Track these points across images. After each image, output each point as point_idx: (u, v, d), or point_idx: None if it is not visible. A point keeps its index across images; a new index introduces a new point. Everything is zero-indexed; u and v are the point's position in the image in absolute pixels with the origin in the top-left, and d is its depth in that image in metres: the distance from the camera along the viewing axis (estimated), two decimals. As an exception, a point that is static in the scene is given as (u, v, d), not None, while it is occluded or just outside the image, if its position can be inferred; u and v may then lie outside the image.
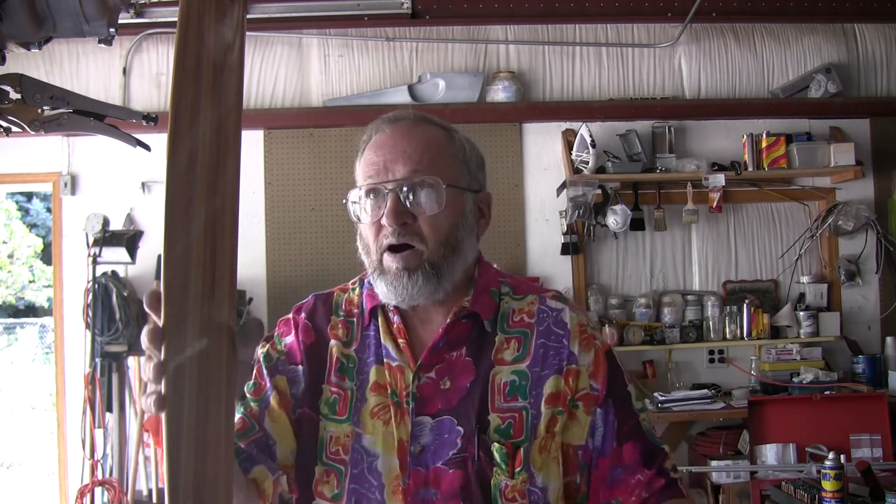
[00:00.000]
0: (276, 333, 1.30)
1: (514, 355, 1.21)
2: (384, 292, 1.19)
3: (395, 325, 1.23)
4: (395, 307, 1.23)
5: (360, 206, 1.21)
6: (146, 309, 0.90)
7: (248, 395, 1.25)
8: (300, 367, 1.25)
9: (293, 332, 1.27)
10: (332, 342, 1.25)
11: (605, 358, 1.22)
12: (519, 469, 1.15)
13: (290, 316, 1.31)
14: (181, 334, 0.87)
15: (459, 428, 1.17)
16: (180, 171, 0.86)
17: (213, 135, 0.90)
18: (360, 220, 1.21)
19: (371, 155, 1.20)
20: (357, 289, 1.30)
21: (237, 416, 1.22)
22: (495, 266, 1.35)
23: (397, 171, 1.17)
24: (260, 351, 1.28)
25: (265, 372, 1.25)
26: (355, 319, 1.27)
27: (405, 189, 1.17)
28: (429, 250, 1.17)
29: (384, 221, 1.17)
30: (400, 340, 1.22)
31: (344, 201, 1.23)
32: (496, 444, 1.16)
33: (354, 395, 1.21)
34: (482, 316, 1.22)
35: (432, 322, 1.23)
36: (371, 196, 1.19)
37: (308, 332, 1.26)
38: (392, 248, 1.18)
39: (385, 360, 1.22)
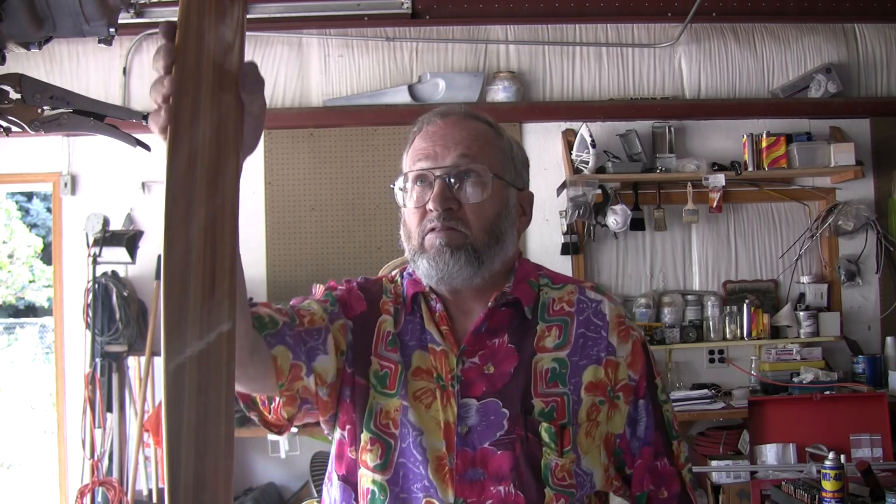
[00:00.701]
0: (327, 289, 1.30)
1: (555, 342, 1.24)
2: (425, 270, 1.21)
3: (437, 313, 1.25)
4: (437, 296, 1.25)
5: (406, 191, 1.23)
6: (160, 34, 0.85)
7: (307, 304, 1.23)
8: (350, 322, 1.25)
9: (345, 291, 1.29)
10: (384, 316, 1.27)
11: (642, 349, 1.27)
12: (567, 449, 1.18)
13: (341, 282, 1.32)
14: (181, 334, 0.87)
15: (505, 410, 1.19)
16: (180, 171, 0.86)
17: (213, 135, 0.90)
18: (405, 205, 1.23)
19: (420, 142, 1.23)
20: (399, 279, 1.32)
21: (285, 308, 1.20)
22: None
23: (446, 158, 1.20)
24: (317, 291, 1.29)
25: (332, 303, 1.24)
26: (399, 306, 1.28)
27: (452, 176, 1.19)
28: (472, 235, 1.20)
29: (430, 206, 1.19)
30: (443, 327, 1.24)
31: (392, 186, 1.25)
32: (544, 424, 1.18)
33: (403, 371, 1.23)
34: (523, 302, 1.25)
35: (472, 311, 1.26)
36: (418, 182, 1.21)
37: (360, 302, 1.28)
38: (435, 229, 1.19)
39: (429, 345, 1.24)
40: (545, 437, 1.18)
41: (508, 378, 1.21)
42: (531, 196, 1.31)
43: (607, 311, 1.27)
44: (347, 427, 1.24)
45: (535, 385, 1.21)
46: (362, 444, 1.21)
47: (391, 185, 1.26)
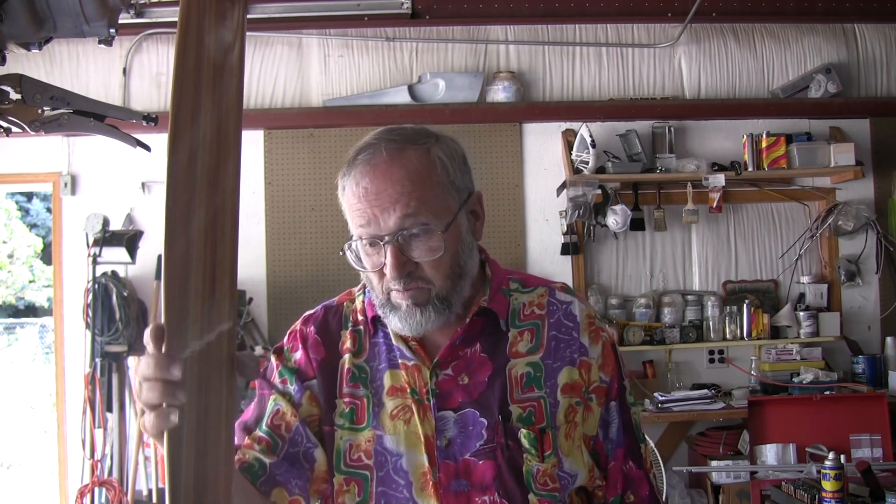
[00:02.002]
0: (285, 347, 1.29)
1: (527, 346, 1.23)
2: (397, 326, 1.19)
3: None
4: None
5: (356, 252, 1.19)
6: (146, 340, 0.88)
7: (272, 402, 1.24)
8: (315, 381, 1.25)
9: (301, 347, 1.27)
10: (344, 357, 1.25)
11: (612, 350, 1.26)
12: (549, 453, 1.18)
13: (299, 327, 1.30)
14: (181, 334, 0.87)
15: (483, 419, 1.19)
16: (180, 171, 0.86)
17: (213, 135, 0.90)
18: (363, 267, 1.19)
19: (356, 202, 1.17)
20: (361, 296, 1.30)
21: (261, 435, 1.21)
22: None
23: (388, 221, 1.13)
24: (274, 361, 1.27)
25: (291, 381, 1.25)
26: (362, 328, 1.27)
27: (400, 239, 1.14)
28: (437, 287, 1.17)
29: (387, 273, 1.15)
30: (411, 342, 1.23)
31: (341, 253, 1.21)
32: (524, 430, 1.18)
33: (371, 402, 1.22)
34: (499, 314, 1.24)
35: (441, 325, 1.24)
36: (367, 244, 1.17)
37: (318, 348, 1.26)
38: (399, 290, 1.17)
39: (400, 360, 1.22)
40: (525, 443, 1.18)
41: (484, 387, 1.20)
42: (479, 196, 1.26)
43: (578, 312, 1.25)
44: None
45: (511, 391, 1.20)
46: (336, 487, 1.21)
47: (340, 252, 1.22)
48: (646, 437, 1.30)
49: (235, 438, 1.20)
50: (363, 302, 1.29)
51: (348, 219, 1.20)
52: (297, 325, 1.30)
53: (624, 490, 1.24)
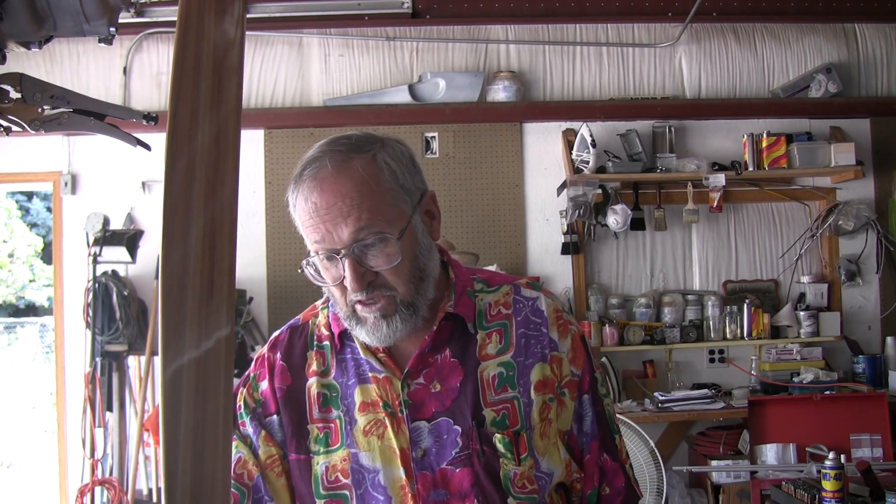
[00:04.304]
0: (252, 375, 1.28)
1: (497, 348, 1.22)
2: (366, 339, 1.18)
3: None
4: None
5: (315, 268, 1.18)
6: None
7: (234, 449, 1.23)
8: (275, 416, 1.24)
9: (267, 376, 1.26)
10: (311, 381, 1.24)
11: (581, 343, 1.25)
12: (525, 455, 1.17)
13: (265, 353, 1.28)
14: (179, 338, 0.86)
15: (457, 427, 1.18)
16: (179, 171, 0.86)
17: (213, 135, 0.89)
18: (322, 280, 1.18)
19: (307, 218, 1.16)
20: (326, 310, 1.28)
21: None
22: (455, 258, 1.35)
23: (342, 236, 1.12)
24: (239, 397, 1.26)
25: (248, 422, 1.25)
26: (327, 343, 1.26)
27: (356, 251, 1.12)
28: (400, 293, 1.15)
29: (347, 285, 1.14)
30: (380, 354, 1.21)
31: (300, 270, 1.19)
32: (498, 435, 1.17)
33: (343, 421, 1.21)
34: (466, 318, 1.22)
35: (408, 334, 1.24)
36: (324, 258, 1.16)
37: (284, 375, 1.25)
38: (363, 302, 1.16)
39: (371, 373, 1.21)
40: (500, 447, 1.17)
41: (456, 393, 1.19)
42: (432, 195, 1.23)
43: (544, 307, 1.24)
44: None
45: (483, 394, 1.19)
46: None
47: (298, 270, 1.20)
48: (619, 427, 1.29)
49: None
50: (327, 316, 1.27)
51: (303, 234, 1.19)
52: (265, 350, 1.29)
53: (600, 483, 1.24)
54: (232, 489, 1.19)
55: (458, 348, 1.21)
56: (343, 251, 1.12)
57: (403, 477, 1.17)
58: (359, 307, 1.16)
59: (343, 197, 1.12)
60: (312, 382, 1.24)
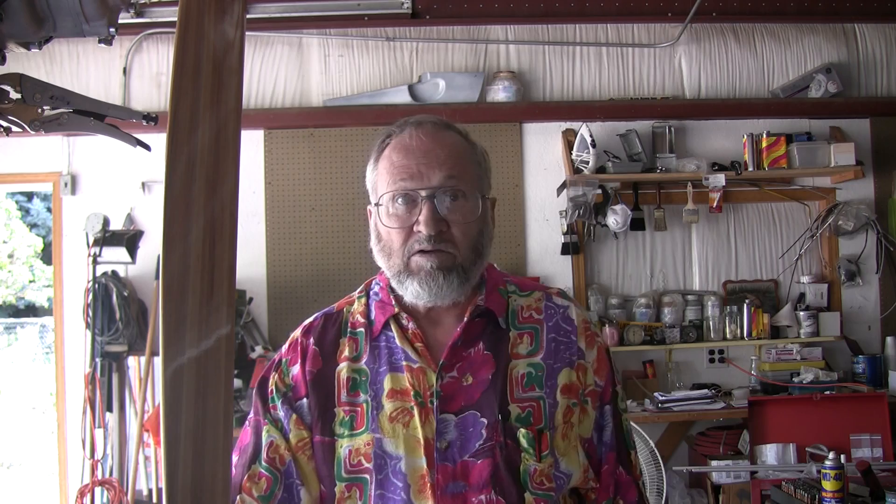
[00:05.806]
0: (283, 360, 1.29)
1: (528, 349, 1.25)
2: (415, 292, 1.20)
3: (409, 331, 1.25)
4: (409, 315, 1.25)
5: (386, 209, 1.21)
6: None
7: (266, 433, 1.24)
8: (305, 399, 1.25)
9: (299, 360, 1.27)
10: (341, 365, 1.26)
11: (606, 356, 1.29)
12: (545, 453, 1.20)
13: (299, 338, 1.30)
14: (180, 338, 0.86)
15: (483, 420, 1.20)
16: (179, 171, 0.86)
17: (213, 135, 0.89)
18: (386, 224, 1.21)
19: (400, 158, 1.21)
20: (363, 298, 1.31)
21: (261, 471, 1.23)
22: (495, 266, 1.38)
23: (432, 178, 1.19)
24: (270, 382, 1.27)
25: (280, 406, 1.25)
26: (363, 330, 1.27)
27: (441, 196, 1.19)
28: (461, 255, 1.20)
29: (419, 228, 1.18)
30: (417, 344, 1.24)
31: (369, 207, 1.25)
32: (522, 430, 1.20)
33: (370, 406, 1.22)
34: (496, 313, 1.26)
35: (443, 324, 1.26)
36: (400, 201, 1.20)
37: (315, 360, 1.27)
38: (424, 251, 1.19)
39: (405, 362, 1.23)
40: (523, 442, 1.19)
41: (486, 384, 1.22)
42: (495, 202, 1.31)
43: (574, 316, 1.28)
44: (322, 490, 1.24)
45: (511, 390, 1.22)
46: (338, 496, 1.21)
47: (367, 207, 1.25)
48: (635, 444, 1.32)
49: (235, 472, 1.22)
50: (364, 304, 1.30)
51: (379, 182, 1.23)
52: (298, 334, 1.31)
53: (614, 495, 1.26)
54: (265, 472, 1.22)
55: (491, 342, 1.25)
56: (428, 192, 1.18)
57: (424, 466, 1.18)
58: (417, 257, 1.20)
59: (443, 147, 1.22)
60: (343, 367, 1.26)
